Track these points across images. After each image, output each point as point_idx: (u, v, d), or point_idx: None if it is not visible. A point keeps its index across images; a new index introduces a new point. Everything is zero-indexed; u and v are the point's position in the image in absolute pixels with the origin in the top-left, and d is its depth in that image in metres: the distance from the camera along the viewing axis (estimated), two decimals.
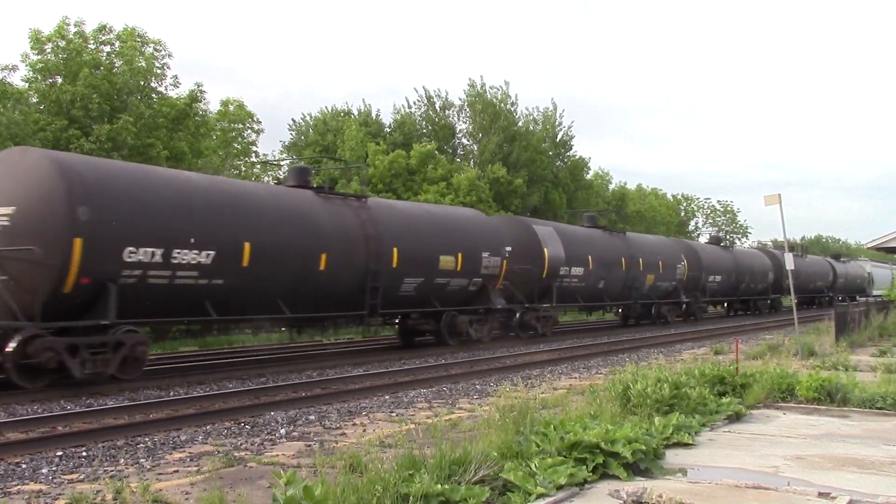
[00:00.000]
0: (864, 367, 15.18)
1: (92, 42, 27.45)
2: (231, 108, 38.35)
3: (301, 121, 48.33)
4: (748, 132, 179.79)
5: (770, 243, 79.07)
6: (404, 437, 8.36)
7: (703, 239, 76.03)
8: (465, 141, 49.07)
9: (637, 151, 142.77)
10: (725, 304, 45.29)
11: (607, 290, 28.96)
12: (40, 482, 7.27)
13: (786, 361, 15.70)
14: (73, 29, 26.85)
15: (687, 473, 7.08)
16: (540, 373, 16.13)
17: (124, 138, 25.25)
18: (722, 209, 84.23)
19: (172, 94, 29.52)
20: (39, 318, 12.61)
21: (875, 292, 61.08)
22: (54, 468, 7.81)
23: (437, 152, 42.21)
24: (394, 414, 11.06)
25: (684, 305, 35.51)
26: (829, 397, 10.82)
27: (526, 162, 45.12)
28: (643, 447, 7.14)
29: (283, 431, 9.72)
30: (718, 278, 38.15)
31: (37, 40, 26.38)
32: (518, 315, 24.13)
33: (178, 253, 13.96)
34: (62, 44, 26.55)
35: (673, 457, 7.65)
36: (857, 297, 57.91)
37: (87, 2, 60.82)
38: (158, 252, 13.69)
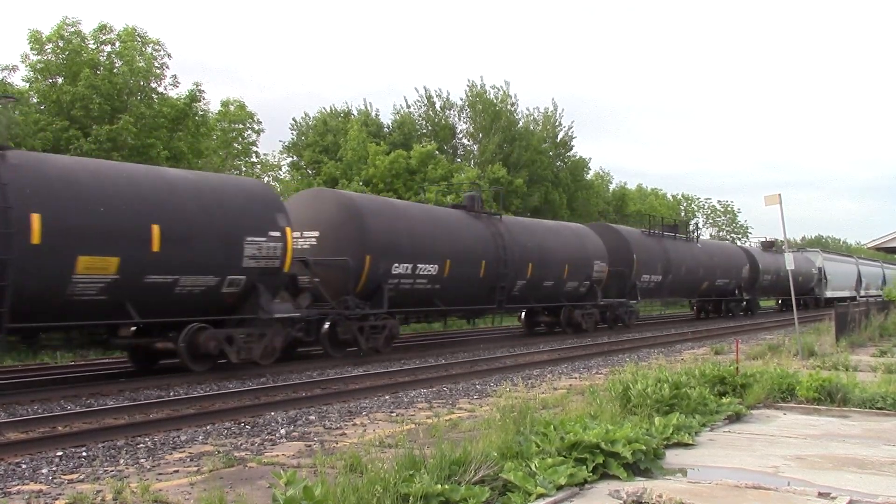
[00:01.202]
0: (864, 367, 15.18)
1: (92, 42, 27.45)
2: (232, 108, 38.40)
3: (301, 121, 48.34)
4: (748, 132, 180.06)
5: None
6: (404, 437, 8.36)
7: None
8: (465, 141, 49.05)
9: (637, 151, 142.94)
10: (523, 314, 28.05)
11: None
12: (40, 482, 7.27)
13: (786, 361, 15.70)
14: (72, 30, 26.86)
15: (687, 473, 7.07)
16: (540, 373, 16.13)
17: (124, 139, 25.27)
18: (722, 209, 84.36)
19: (172, 94, 29.56)
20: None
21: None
22: (54, 468, 7.81)
23: (437, 152, 42.19)
24: (394, 414, 11.06)
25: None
26: (830, 397, 10.81)
27: (526, 162, 45.08)
28: (643, 447, 7.14)
29: (283, 431, 9.72)
30: (431, 269, 20.25)
31: (36, 41, 26.39)
32: None
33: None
34: (62, 44, 26.56)
35: (673, 457, 7.64)
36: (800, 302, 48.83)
37: (87, 2, 60.78)
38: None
